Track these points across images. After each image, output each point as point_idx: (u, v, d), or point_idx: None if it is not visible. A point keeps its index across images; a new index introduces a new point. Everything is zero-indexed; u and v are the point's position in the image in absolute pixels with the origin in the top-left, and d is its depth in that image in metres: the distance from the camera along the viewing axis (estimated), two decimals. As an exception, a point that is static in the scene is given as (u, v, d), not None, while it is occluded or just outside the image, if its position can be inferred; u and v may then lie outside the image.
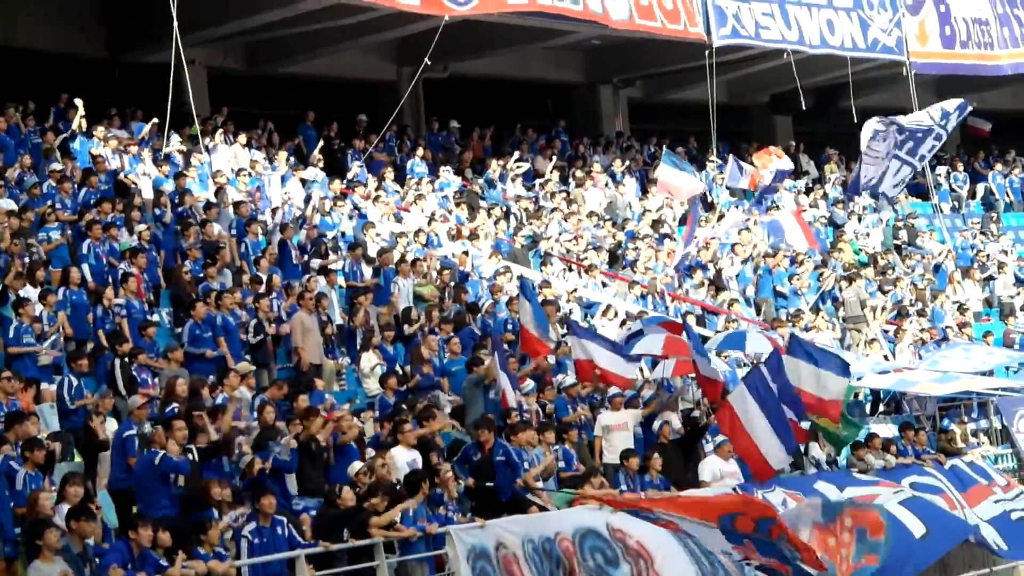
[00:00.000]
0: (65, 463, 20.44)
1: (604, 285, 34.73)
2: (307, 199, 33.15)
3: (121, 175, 31.29)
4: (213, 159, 33.83)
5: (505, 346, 27.00)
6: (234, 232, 30.04)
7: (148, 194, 30.78)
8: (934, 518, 25.35)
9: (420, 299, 29.96)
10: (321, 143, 37.07)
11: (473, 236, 34.46)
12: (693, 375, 26.89)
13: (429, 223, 34.68)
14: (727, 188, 41.89)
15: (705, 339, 29.67)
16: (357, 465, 21.40)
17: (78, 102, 32.15)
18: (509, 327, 29.18)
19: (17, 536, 17.93)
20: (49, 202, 28.02)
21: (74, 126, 32.16)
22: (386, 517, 19.77)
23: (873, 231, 44.50)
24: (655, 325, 27.01)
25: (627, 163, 43.68)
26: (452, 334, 28.11)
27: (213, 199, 31.18)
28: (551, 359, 28.07)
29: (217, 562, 17.88)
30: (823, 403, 23.92)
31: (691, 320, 32.32)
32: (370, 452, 22.38)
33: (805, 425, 24.87)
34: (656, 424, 25.82)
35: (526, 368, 26.84)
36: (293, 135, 38.51)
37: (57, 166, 29.87)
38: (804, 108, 43.36)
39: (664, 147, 41.83)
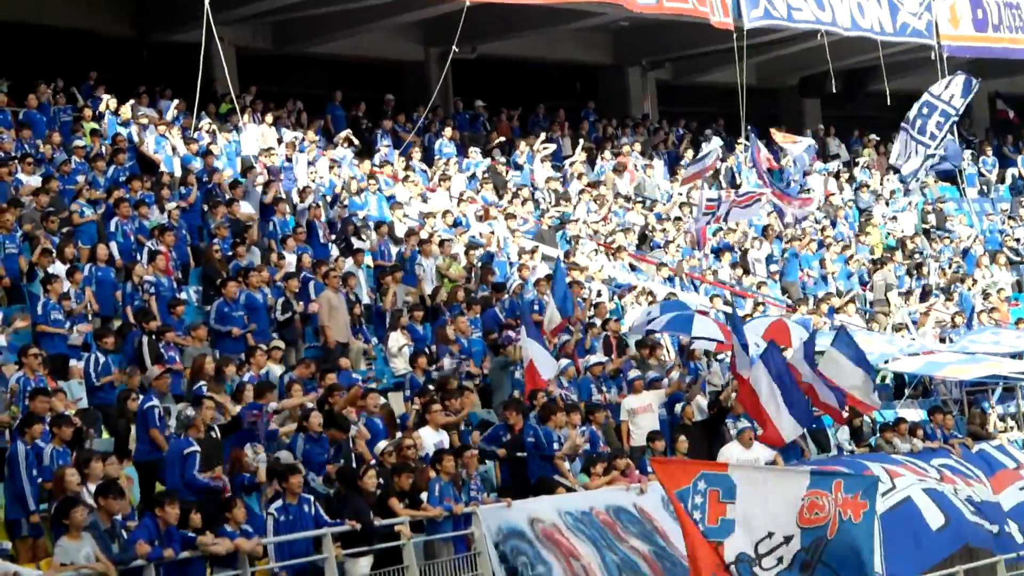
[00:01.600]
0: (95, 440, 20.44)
1: (632, 268, 34.67)
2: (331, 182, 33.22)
3: (143, 147, 31.34)
4: (241, 138, 33.85)
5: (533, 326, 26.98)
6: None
7: (177, 172, 30.83)
8: (955, 512, 25.27)
9: (447, 279, 29.91)
10: (349, 130, 37.07)
11: (509, 216, 34.41)
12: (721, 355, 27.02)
13: (458, 204, 34.65)
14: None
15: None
16: (382, 444, 21.39)
17: (107, 96, 32.35)
18: (536, 308, 29.12)
19: (43, 512, 17.97)
20: (81, 177, 28.09)
21: (101, 108, 32.24)
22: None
23: (901, 215, 44.33)
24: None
25: (656, 144, 43.60)
26: (478, 315, 28.10)
27: (241, 178, 31.18)
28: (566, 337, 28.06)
29: (244, 539, 17.87)
30: (860, 403, 24.35)
31: (718, 303, 32.29)
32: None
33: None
34: (678, 406, 25.75)
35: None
36: (321, 115, 38.50)
37: (80, 143, 29.92)
38: (834, 91, 43.20)
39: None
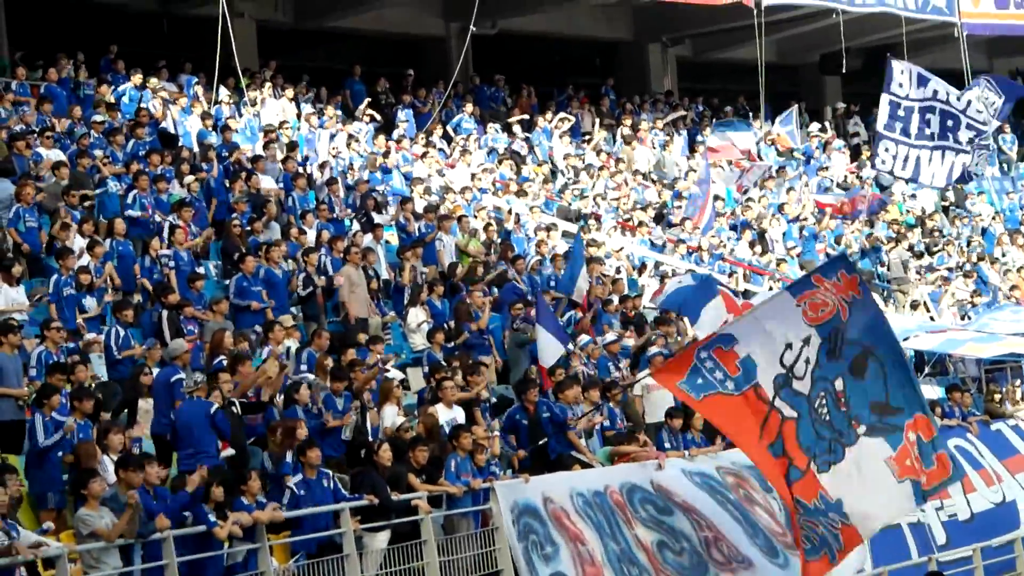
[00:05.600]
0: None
1: (652, 244, 34.66)
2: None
3: (165, 123, 31.39)
4: (261, 113, 33.88)
5: (550, 303, 27.00)
6: (280, 186, 30.09)
7: (196, 147, 30.87)
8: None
9: (465, 255, 29.93)
10: (368, 100, 37.10)
11: (521, 193, 34.41)
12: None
13: (474, 179, 34.66)
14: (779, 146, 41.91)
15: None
16: (398, 420, 21.42)
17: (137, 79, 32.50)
18: (552, 284, 29.14)
19: (65, 485, 18.07)
20: (99, 152, 28.14)
21: (128, 84, 32.36)
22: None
23: (921, 193, 44.21)
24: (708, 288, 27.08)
25: (674, 120, 43.59)
26: (494, 290, 28.11)
27: (261, 153, 31.22)
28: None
29: (260, 511, 17.91)
30: None
31: (735, 280, 32.28)
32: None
33: None
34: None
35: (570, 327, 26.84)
36: (341, 89, 38.52)
37: (99, 117, 29.96)
38: (845, 71, 43.25)
39: (713, 121, 41.93)
